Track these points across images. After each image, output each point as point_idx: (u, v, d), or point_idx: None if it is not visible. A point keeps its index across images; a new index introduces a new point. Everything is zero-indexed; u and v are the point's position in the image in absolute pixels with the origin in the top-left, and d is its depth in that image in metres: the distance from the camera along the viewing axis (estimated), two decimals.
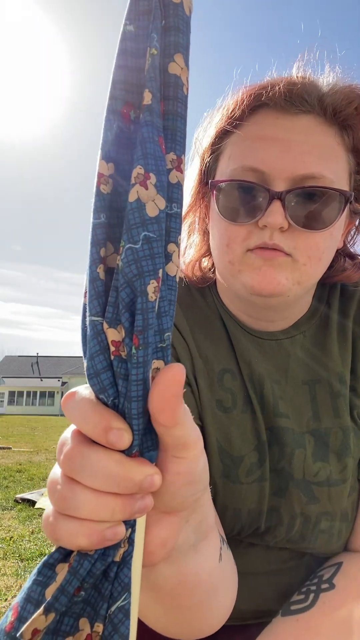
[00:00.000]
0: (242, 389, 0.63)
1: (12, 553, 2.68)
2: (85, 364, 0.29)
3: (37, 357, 49.37)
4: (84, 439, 0.29)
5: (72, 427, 0.30)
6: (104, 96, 0.29)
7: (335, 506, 0.61)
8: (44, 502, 3.67)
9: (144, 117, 0.27)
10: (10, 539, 2.90)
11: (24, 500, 3.81)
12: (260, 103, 0.56)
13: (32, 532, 3.04)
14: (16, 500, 3.83)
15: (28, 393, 45.71)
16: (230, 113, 0.58)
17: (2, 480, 4.71)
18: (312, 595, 0.58)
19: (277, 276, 0.55)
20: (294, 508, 0.60)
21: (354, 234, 0.66)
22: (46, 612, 0.27)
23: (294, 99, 0.55)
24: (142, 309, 0.26)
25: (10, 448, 7.93)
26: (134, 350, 0.27)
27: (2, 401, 45.27)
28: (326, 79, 0.58)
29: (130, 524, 0.30)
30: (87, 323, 0.28)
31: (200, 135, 0.63)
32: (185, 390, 0.62)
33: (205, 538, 0.40)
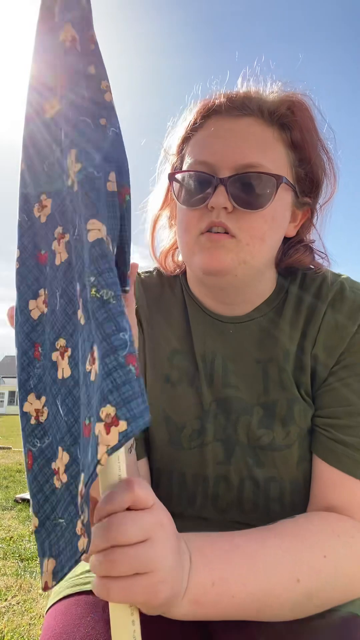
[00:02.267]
0: (191, 367, 0.71)
1: (12, 553, 2.68)
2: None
3: None
4: None
5: None
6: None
7: (282, 472, 0.66)
8: None
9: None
10: (10, 539, 2.90)
11: (24, 500, 3.80)
12: (210, 112, 0.67)
13: (32, 532, 3.04)
14: (16, 500, 3.83)
15: None
16: (188, 123, 0.70)
17: (2, 480, 4.71)
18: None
19: (222, 257, 0.63)
20: (242, 471, 0.66)
21: (308, 225, 0.75)
22: None
23: (236, 104, 0.66)
24: None
25: (10, 448, 7.92)
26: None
27: (2, 401, 45.22)
28: (268, 89, 0.70)
29: None
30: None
31: (167, 144, 0.75)
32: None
33: None
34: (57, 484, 0.41)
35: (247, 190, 0.63)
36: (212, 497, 0.66)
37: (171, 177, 0.69)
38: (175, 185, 0.68)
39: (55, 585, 0.40)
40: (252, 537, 0.56)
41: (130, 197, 0.45)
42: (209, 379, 0.70)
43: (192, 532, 0.66)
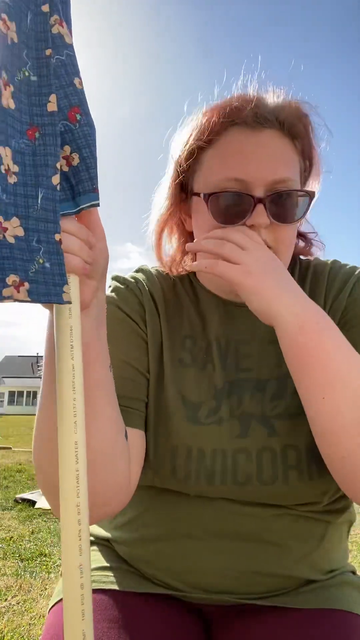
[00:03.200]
0: (202, 351, 0.76)
1: (12, 553, 2.68)
2: None
3: (37, 357, 49.36)
4: None
5: None
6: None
7: (298, 439, 0.68)
8: (44, 502, 3.66)
9: None
10: (10, 539, 2.90)
11: (24, 500, 3.81)
12: (228, 122, 0.69)
13: (32, 532, 3.04)
14: (16, 500, 3.83)
15: (28, 393, 45.66)
16: (204, 131, 0.70)
17: (2, 480, 4.71)
18: None
19: None
20: (259, 442, 0.69)
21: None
22: None
23: (259, 118, 0.68)
24: None
25: (10, 448, 7.93)
26: None
27: (2, 401, 45.24)
28: (273, 98, 0.72)
29: None
30: None
31: (175, 151, 0.75)
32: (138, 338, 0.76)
33: (102, 326, 0.57)
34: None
35: (284, 207, 0.68)
36: (232, 470, 0.68)
37: (206, 197, 0.69)
38: (210, 203, 0.69)
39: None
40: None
41: (82, 115, 0.48)
42: (223, 362, 0.74)
43: (211, 514, 0.69)
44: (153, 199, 0.81)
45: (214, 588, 0.69)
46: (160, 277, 0.82)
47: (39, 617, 1.93)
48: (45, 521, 3.30)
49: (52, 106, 0.46)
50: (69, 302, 0.46)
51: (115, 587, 0.69)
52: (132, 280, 0.79)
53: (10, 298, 0.42)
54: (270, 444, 0.68)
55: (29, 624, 1.87)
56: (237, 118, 0.68)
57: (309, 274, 0.79)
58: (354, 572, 0.79)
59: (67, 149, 0.48)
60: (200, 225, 0.73)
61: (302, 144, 0.72)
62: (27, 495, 3.90)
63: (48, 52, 0.47)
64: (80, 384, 0.45)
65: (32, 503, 3.71)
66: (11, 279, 0.41)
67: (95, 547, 0.80)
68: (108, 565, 0.74)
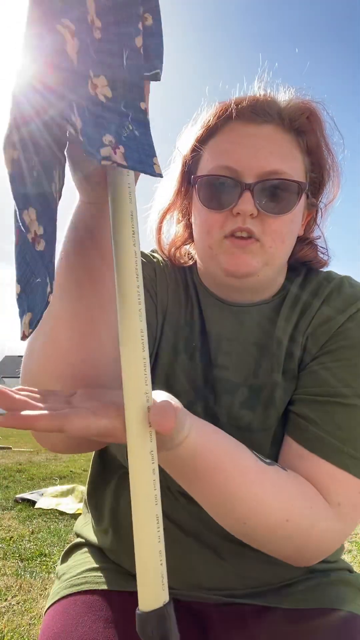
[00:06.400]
0: (193, 340, 0.76)
1: (12, 553, 2.68)
2: None
3: None
4: None
5: None
6: None
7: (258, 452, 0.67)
8: (44, 502, 3.66)
9: None
10: (10, 539, 2.90)
11: (24, 500, 3.80)
12: (231, 115, 0.69)
13: (32, 532, 3.04)
14: (16, 500, 3.82)
15: None
16: (207, 125, 0.71)
17: (2, 480, 4.71)
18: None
19: (249, 260, 0.67)
20: None
21: (312, 223, 0.80)
22: None
23: (258, 111, 0.68)
24: None
25: (10, 448, 7.92)
26: None
27: None
28: (282, 96, 0.72)
29: None
30: None
31: (181, 144, 0.76)
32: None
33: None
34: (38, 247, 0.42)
35: (272, 196, 0.66)
36: None
37: (195, 180, 0.71)
38: (199, 187, 0.70)
39: (31, 332, 0.43)
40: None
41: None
42: (204, 357, 0.74)
43: (188, 512, 0.69)
44: (156, 190, 0.81)
45: (203, 585, 0.69)
46: (169, 263, 0.82)
47: (39, 617, 1.93)
48: (45, 521, 3.30)
49: None
50: (160, 176, 0.41)
51: (108, 587, 0.69)
52: (153, 259, 0.80)
53: (108, 159, 0.38)
54: None
55: (29, 624, 1.87)
56: (238, 113, 0.69)
57: (308, 288, 0.76)
58: (350, 571, 0.79)
59: (140, 8, 0.41)
60: (195, 216, 0.74)
61: (308, 141, 0.70)
62: (27, 495, 3.89)
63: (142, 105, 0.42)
64: (141, 272, 0.44)
65: (32, 503, 3.71)
66: (107, 138, 0.38)
67: (85, 549, 0.80)
68: (99, 566, 0.74)
